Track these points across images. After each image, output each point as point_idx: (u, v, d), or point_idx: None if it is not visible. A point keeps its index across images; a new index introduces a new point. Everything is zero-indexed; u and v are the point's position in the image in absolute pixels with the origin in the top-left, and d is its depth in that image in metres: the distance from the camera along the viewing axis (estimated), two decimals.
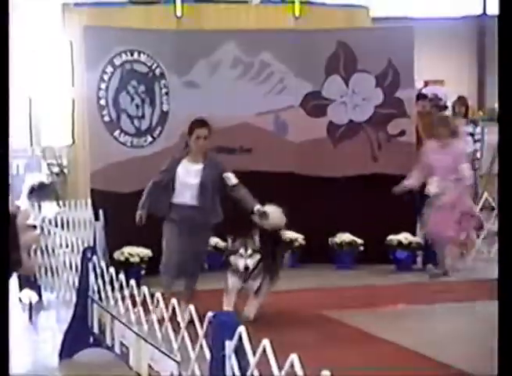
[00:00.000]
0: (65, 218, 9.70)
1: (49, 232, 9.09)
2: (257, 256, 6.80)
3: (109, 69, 9.34)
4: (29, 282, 8.15)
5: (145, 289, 5.33)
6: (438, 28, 24.93)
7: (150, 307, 5.19)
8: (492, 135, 12.33)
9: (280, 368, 3.55)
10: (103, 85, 9.31)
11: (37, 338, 7.29)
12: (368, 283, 9.08)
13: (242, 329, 3.84)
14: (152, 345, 5.00)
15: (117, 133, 9.39)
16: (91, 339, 6.38)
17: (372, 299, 8.23)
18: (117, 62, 9.39)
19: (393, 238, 9.61)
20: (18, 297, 8.01)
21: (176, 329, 4.80)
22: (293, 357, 3.45)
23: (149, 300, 5.23)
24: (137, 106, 9.55)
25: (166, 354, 4.76)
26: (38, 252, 8.76)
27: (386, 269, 9.67)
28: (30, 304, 7.76)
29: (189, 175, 7.24)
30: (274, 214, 7.20)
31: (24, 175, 15.82)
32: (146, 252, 8.77)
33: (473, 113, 14.06)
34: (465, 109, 12.84)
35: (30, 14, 18.90)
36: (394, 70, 10.04)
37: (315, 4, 11.11)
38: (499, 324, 3.48)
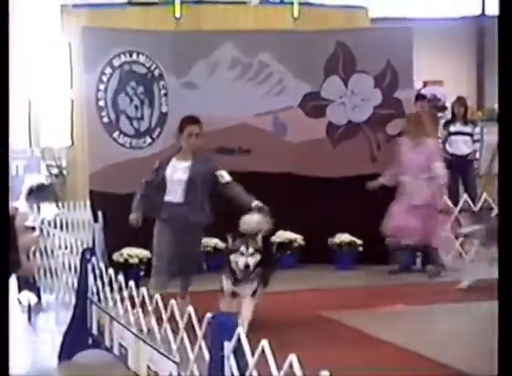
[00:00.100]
0: (64, 219, 9.70)
1: (48, 233, 9.09)
2: (258, 256, 6.64)
3: (108, 70, 9.34)
4: (28, 283, 8.15)
5: (144, 290, 5.33)
6: (437, 29, 24.96)
7: (149, 308, 5.19)
8: (491, 135, 12.34)
9: (279, 369, 3.55)
10: (102, 86, 9.31)
11: (36, 340, 7.29)
12: (367, 284, 9.08)
13: (241, 330, 3.84)
14: (151, 346, 5.00)
15: (116, 134, 9.39)
16: (91, 340, 6.38)
17: (371, 300, 8.23)
18: (116, 63, 9.39)
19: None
20: (17, 298, 8.01)
21: (175, 330, 4.80)
22: (292, 357, 3.45)
23: (147, 301, 5.23)
24: (136, 107, 9.56)
25: (165, 355, 4.76)
26: (37, 254, 8.76)
27: (385, 270, 9.66)
28: (29, 305, 7.77)
29: (176, 172, 7.18)
30: (248, 218, 6.89)
31: (23, 176, 15.83)
32: (145, 253, 8.76)
33: (472, 114, 14.09)
34: (464, 109, 12.84)
35: (28, 15, 18.90)
36: (392, 70, 10.04)
37: (314, 5, 11.11)
38: (499, 324, 3.48)
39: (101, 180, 9.17)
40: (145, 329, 5.21)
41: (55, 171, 13.88)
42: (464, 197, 10.97)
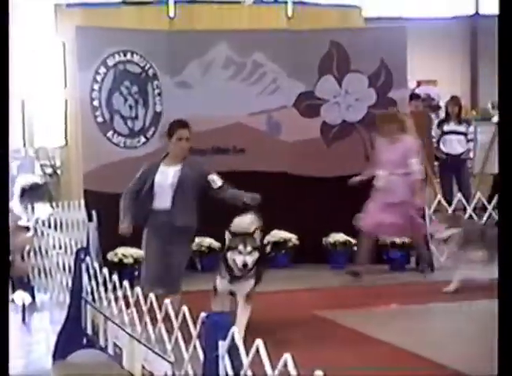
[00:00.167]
0: (58, 219, 9.69)
1: (42, 233, 9.09)
2: (256, 254, 6.47)
3: (102, 70, 9.34)
4: (22, 283, 8.15)
5: (138, 290, 5.33)
6: (431, 28, 24.98)
7: (144, 308, 5.18)
8: (484, 134, 12.37)
9: (273, 368, 3.55)
10: (96, 86, 9.31)
11: (30, 340, 7.27)
12: (362, 283, 9.08)
13: (235, 329, 3.84)
14: (145, 345, 5.00)
15: (110, 134, 9.39)
16: (85, 340, 6.38)
17: (366, 299, 8.23)
18: (110, 63, 9.38)
19: (387, 238, 9.63)
20: (11, 298, 8.00)
21: (169, 330, 4.80)
22: (287, 357, 3.45)
23: (142, 301, 5.22)
24: (130, 106, 9.55)
25: (159, 355, 4.76)
26: (32, 253, 8.75)
27: (380, 269, 9.68)
28: (24, 305, 7.75)
29: (165, 178, 6.93)
30: (239, 221, 6.71)
31: (17, 176, 15.80)
32: (139, 253, 8.71)
33: (466, 113, 14.10)
34: (458, 108, 12.87)
35: (22, 15, 18.86)
36: (387, 70, 10.06)
37: (308, 4, 11.10)
38: (499, 324, 3.48)
39: (95, 180, 9.17)
40: (139, 327, 5.21)
41: (49, 170, 13.89)
42: (458, 196, 11.00)
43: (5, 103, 4.50)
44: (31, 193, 10.79)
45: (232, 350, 3.84)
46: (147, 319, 5.10)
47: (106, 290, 6.01)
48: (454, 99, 13.04)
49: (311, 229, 9.64)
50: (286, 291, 8.57)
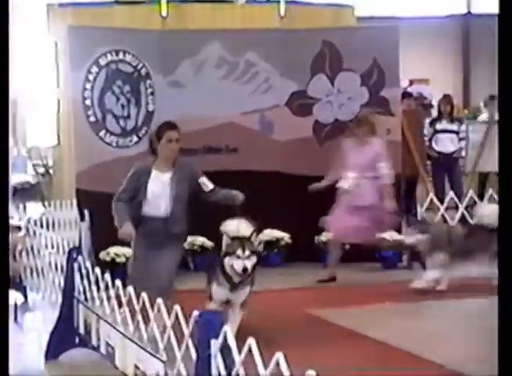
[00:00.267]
0: (50, 218, 9.69)
1: (35, 232, 9.07)
2: (255, 258, 6.27)
3: (95, 69, 9.33)
4: (14, 283, 8.12)
5: (130, 289, 5.32)
6: (423, 27, 25.03)
7: (136, 307, 5.18)
8: (476, 133, 12.39)
9: (266, 367, 3.56)
10: (89, 85, 9.30)
11: (22, 339, 7.26)
12: (354, 282, 9.09)
13: (227, 328, 3.84)
14: (137, 344, 5.00)
15: (102, 133, 9.38)
16: (77, 340, 6.37)
17: (358, 297, 8.25)
18: (103, 62, 9.37)
19: (378, 236, 9.61)
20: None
21: (162, 329, 4.80)
22: (279, 356, 3.46)
23: (134, 300, 5.22)
24: (122, 106, 9.55)
25: (152, 354, 4.76)
26: (24, 253, 8.73)
27: (372, 267, 9.69)
28: (16, 305, 7.74)
29: (158, 186, 6.63)
30: (227, 224, 6.58)
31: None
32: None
33: (458, 112, 14.12)
34: (450, 107, 12.90)
35: (15, 15, 18.83)
36: (379, 69, 10.08)
37: (301, 3, 11.11)
38: (499, 324, 3.49)
39: (87, 179, 9.16)
40: (131, 327, 5.20)
41: (41, 170, 13.87)
42: (450, 194, 11.01)
43: (5, 101, 4.52)
44: (23, 193, 10.80)
45: (225, 349, 3.84)
46: (139, 318, 5.10)
47: (98, 289, 6.00)
48: (446, 98, 13.06)
49: (303, 227, 9.65)
50: (279, 290, 8.58)
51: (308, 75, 10.16)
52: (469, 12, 26.98)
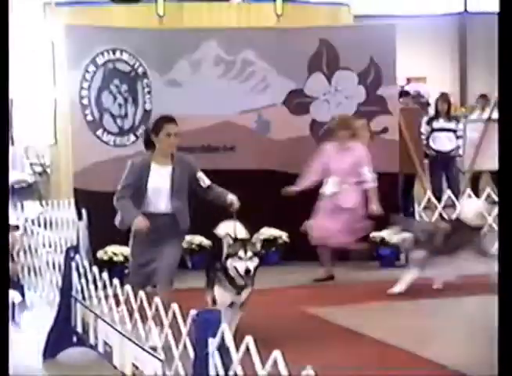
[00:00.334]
0: (48, 217, 9.69)
1: (32, 232, 9.07)
2: (257, 259, 6.15)
3: (92, 68, 9.33)
4: (12, 282, 8.12)
5: (128, 288, 5.33)
6: (420, 25, 25.02)
7: (134, 306, 5.18)
8: (474, 131, 12.40)
9: (263, 365, 3.56)
10: (86, 85, 9.30)
11: (20, 338, 7.26)
12: (352, 280, 9.10)
13: (225, 327, 3.85)
14: (135, 343, 5.00)
15: (99, 132, 9.38)
16: (75, 338, 6.37)
17: (356, 296, 8.26)
18: (100, 61, 9.38)
19: (376, 235, 9.63)
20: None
21: (160, 327, 4.80)
22: (276, 354, 3.46)
23: (132, 299, 5.23)
24: (120, 105, 9.55)
25: (149, 352, 4.76)
26: (21, 252, 8.73)
27: (370, 266, 9.70)
28: (13, 304, 7.74)
29: (160, 181, 6.47)
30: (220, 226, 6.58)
31: None
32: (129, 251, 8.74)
33: (455, 110, 14.14)
34: (447, 105, 12.92)
35: (11, 13, 18.80)
36: (376, 67, 10.08)
37: (297, 2, 11.13)
38: (499, 323, 3.50)
39: (85, 178, 9.16)
40: (129, 325, 5.21)
41: (38, 169, 13.85)
42: (447, 193, 11.03)
43: (5, 99, 4.53)
44: (20, 192, 10.80)
45: (223, 348, 3.84)
46: (137, 317, 5.11)
47: (96, 288, 6.00)
48: (443, 96, 13.08)
49: (301, 226, 9.64)
50: (277, 289, 8.58)
51: (305, 74, 10.16)
52: (466, 10, 26.97)
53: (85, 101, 9.29)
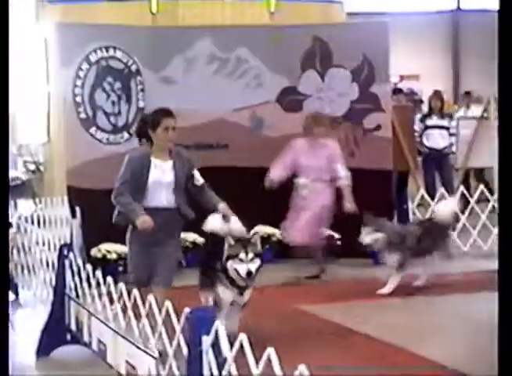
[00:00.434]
0: (41, 215, 9.67)
1: (25, 230, 9.06)
2: (258, 261, 6.06)
3: (85, 66, 9.32)
4: None
5: (122, 286, 5.33)
6: (413, 23, 25.05)
7: (128, 304, 5.18)
8: (467, 128, 12.42)
9: (257, 362, 3.57)
10: (79, 82, 9.29)
11: (13, 336, 7.25)
12: (346, 278, 9.11)
13: (218, 324, 3.85)
14: (129, 341, 5.00)
15: (93, 130, 9.37)
16: (69, 336, 6.37)
17: (349, 293, 8.26)
18: (93, 59, 9.36)
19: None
20: None
21: (153, 325, 4.80)
22: (270, 351, 3.47)
23: (126, 297, 5.23)
24: (113, 102, 9.54)
25: (143, 350, 4.77)
26: (14, 250, 8.72)
27: (363, 263, 9.70)
28: None
29: (163, 175, 6.25)
30: (235, 226, 6.40)
31: None
32: (123, 249, 8.72)
33: (448, 107, 14.17)
34: (440, 103, 12.93)
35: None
36: (369, 64, 10.08)
37: None
38: (499, 323, 3.50)
39: (78, 176, 9.15)
40: (123, 323, 5.20)
41: (32, 167, 13.80)
42: (441, 190, 11.04)
43: (5, 98, 4.52)
44: (14, 190, 10.77)
45: (216, 345, 3.85)
46: (131, 314, 5.11)
47: (89, 286, 6.00)
48: (437, 94, 13.10)
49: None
50: (270, 286, 8.58)
51: (299, 71, 10.17)
52: (459, 7, 27.01)
53: (78, 99, 9.28)
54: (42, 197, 10.24)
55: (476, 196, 11.03)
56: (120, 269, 8.67)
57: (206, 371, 3.87)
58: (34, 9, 10.57)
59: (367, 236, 8.33)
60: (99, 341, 5.64)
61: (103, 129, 9.43)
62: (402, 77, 22.22)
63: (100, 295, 5.70)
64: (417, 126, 12.70)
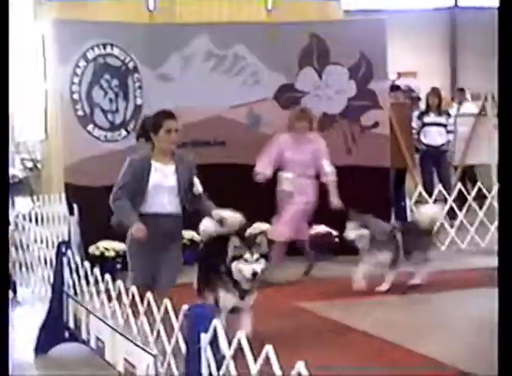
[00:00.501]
0: (39, 213, 9.66)
1: (23, 227, 9.06)
2: (263, 261, 5.92)
3: (82, 63, 9.31)
4: None
5: (120, 283, 5.33)
6: (411, 20, 25.05)
7: (126, 301, 5.18)
8: (464, 126, 12.43)
9: (255, 360, 3.57)
10: (76, 79, 9.29)
11: (12, 334, 7.25)
12: (344, 275, 9.11)
13: (217, 322, 3.85)
14: (127, 338, 5.00)
15: (90, 127, 9.37)
16: (67, 334, 6.37)
17: (347, 290, 8.26)
18: (90, 56, 9.36)
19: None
20: None
21: (152, 322, 4.81)
22: (268, 348, 3.47)
23: (124, 294, 5.23)
24: (110, 100, 9.54)
25: (142, 348, 4.77)
26: (12, 248, 8.71)
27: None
28: None
29: (163, 178, 6.05)
30: (231, 219, 6.24)
31: None
32: (121, 246, 8.72)
33: (446, 105, 14.18)
34: (438, 100, 12.94)
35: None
36: (367, 62, 10.10)
37: None
38: (499, 323, 3.51)
39: (76, 173, 9.15)
40: (121, 321, 5.21)
41: (29, 164, 13.82)
42: (438, 187, 11.06)
43: (5, 97, 4.52)
44: (11, 187, 10.76)
45: (215, 343, 3.85)
46: (129, 312, 5.11)
47: (87, 283, 6.00)
48: (434, 91, 13.10)
49: None
50: (267, 284, 8.57)
51: (296, 68, 10.17)
52: (456, 4, 27.02)
53: (76, 96, 9.27)
54: (40, 195, 10.23)
55: (473, 193, 11.05)
56: (119, 266, 8.68)
57: (204, 369, 3.87)
58: (31, 7, 10.55)
59: (351, 232, 8.26)
60: (97, 339, 5.64)
61: (101, 126, 9.43)
62: (399, 75, 22.21)
63: (98, 293, 5.70)
64: (415, 123, 12.71)
